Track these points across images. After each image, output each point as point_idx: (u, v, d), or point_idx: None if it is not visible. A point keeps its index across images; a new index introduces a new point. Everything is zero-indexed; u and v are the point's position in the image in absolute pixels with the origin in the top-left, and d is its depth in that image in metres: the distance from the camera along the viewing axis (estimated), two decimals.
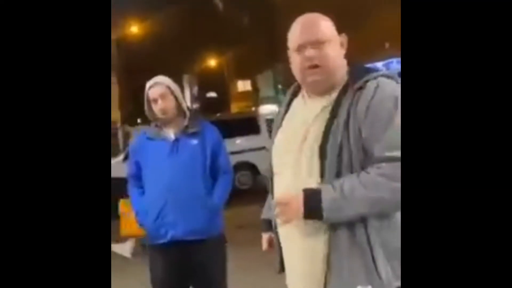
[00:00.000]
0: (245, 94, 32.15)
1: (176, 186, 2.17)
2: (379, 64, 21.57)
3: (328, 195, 1.28)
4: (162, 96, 2.22)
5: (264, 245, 1.59)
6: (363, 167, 1.30)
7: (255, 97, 29.85)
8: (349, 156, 1.31)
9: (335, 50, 1.40)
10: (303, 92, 1.49)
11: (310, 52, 1.36)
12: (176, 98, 2.26)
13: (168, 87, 2.24)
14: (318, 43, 1.36)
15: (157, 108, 2.23)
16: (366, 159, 1.30)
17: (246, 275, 3.68)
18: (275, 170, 1.47)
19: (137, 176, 2.33)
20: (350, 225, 1.30)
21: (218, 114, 14.17)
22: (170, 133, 2.27)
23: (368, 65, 1.53)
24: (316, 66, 1.37)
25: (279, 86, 25.37)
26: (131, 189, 2.36)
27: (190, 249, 2.20)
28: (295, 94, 1.54)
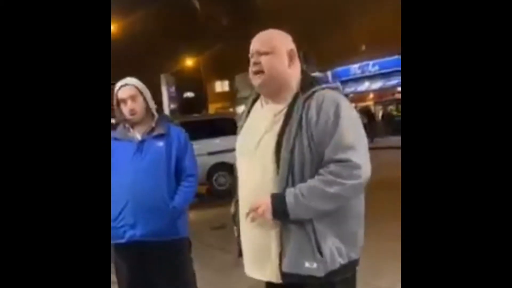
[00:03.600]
0: (223, 94, 32.12)
1: (138, 187, 2.17)
2: (355, 66, 22.00)
3: (291, 197, 1.49)
4: (132, 97, 2.25)
5: (236, 233, 1.76)
6: (313, 167, 1.50)
7: (233, 97, 29.85)
8: (301, 155, 1.50)
9: (279, 61, 1.60)
10: (261, 97, 1.70)
11: (255, 59, 1.61)
12: (145, 99, 2.28)
13: (138, 89, 2.27)
14: (263, 53, 1.60)
15: (126, 109, 2.25)
16: (319, 160, 1.50)
17: (221, 276, 3.68)
18: (238, 171, 1.69)
19: None
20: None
21: (195, 115, 14.10)
22: (137, 135, 2.28)
23: (317, 75, 1.75)
24: (258, 72, 1.60)
25: None
26: None
27: (150, 251, 2.20)
28: (256, 99, 1.74)
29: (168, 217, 2.21)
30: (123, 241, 2.19)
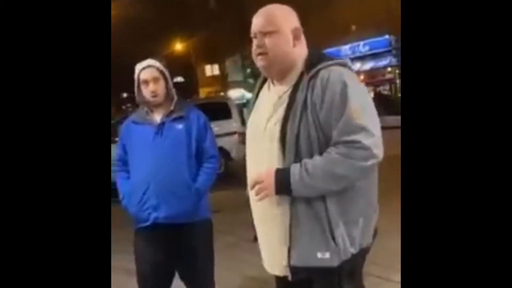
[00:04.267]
0: (213, 78, 31.83)
1: (159, 170, 2.17)
2: (345, 47, 21.85)
3: (295, 173, 1.40)
4: (154, 79, 2.23)
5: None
6: (322, 150, 1.41)
7: (223, 81, 29.63)
8: (307, 140, 1.42)
9: (284, 41, 1.51)
10: (269, 79, 1.62)
11: (258, 41, 1.51)
12: (166, 82, 2.27)
13: (160, 71, 2.25)
14: (266, 33, 1.49)
15: (147, 91, 2.24)
16: (326, 142, 1.41)
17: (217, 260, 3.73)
18: (247, 155, 1.61)
19: (124, 160, 2.33)
20: (307, 198, 1.42)
21: (187, 100, 13.93)
22: (156, 117, 2.27)
23: (326, 51, 1.65)
24: (262, 54, 1.51)
25: (248, 70, 25.28)
26: (118, 173, 2.35)
27: (174, 233, 2.21)
28: (264, 81, 1.66)
29: (191, 198, 2.22)
30: (147, 224, 2.20)
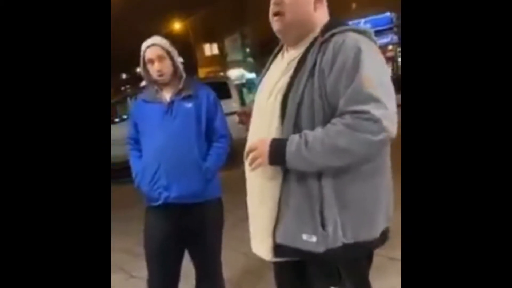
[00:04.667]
0: (212, 58, 31.52)
1: (169, 149, 2.15)
2: None
3: (292, 143, 1.27)
4: (159, 58, 2.18)
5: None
6: (325, 123, 1.27)
7: (223, 61, 29.36)
8: (310, 108, 1.29)
9: (304, 2, 1.39)
10: (284, 47, 1.52)
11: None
12: (172, 60, 2.22)
13: (165, 49, 2.20)
14: None
15: (153, 69, 2.20)
16: (331, 114, 1.28)
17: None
18: (249, 130, 1.52)
19: (136, 139, 2.33)
20: (302, 172, 1.30)
21: None
22: (166, 96, 2.25)
23: (347, 21, 1.51)
24: (278, 13, 1.39)
25: (247, 50, 25.01)
26: (131, 152, 2.36)
27: (185, 212, 2.20)
28: (279, 50, 1.56)
29: (201, 178, 2.20)
30: (159, 203, 2.19)
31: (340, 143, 1.22)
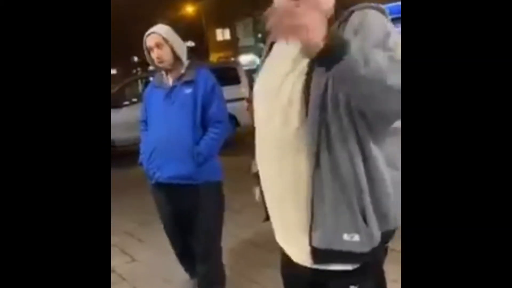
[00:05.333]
0: (224, 43, 31.44)
1: (164, 132, 2.29)
2: None
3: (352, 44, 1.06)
4: (157, 45, 2.31)
5: (257, 195, 1.48)
6: (350, 110, 1.15)
7: (234, 46, 29.25)
8: (335, 100, 1.16)
9: None
10: None
11: None
12: (171, 47, 2.32)
13: (163, 37, 2.32)
14: None
15: (153, 56, 2.34)
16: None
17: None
18: (255, 121, 1.39)
19: (146, 121, 2.50)
20: (335, 161, 1.18)
21: None
22: (170, 81, 2.39)
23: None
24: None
25: (259, 35, 24.85)
26: (142, 132, 2.54)
27: (179, 193, 2.33)
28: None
29: (192, 162, 2.27)
30: (152, 182, 2.38)
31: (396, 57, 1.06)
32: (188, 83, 2.33)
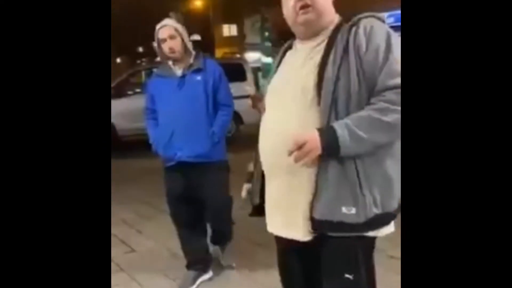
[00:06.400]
0: (230, 39, 31.34)
1: (181, 117, 2.56)
2: None
3: (343, 129, 1.30)
4: (170, 37, 2.56)
5: (244, 193, 1.68)
6: (360, 101, 1.33)
7: (240, 42, 29.17)
8: (347, 82, 1.33)
9: None
10: (295, 43, 1.56)
11: None
12: (182, 39, 2.59)
13: (175, 29, 2.57)
14: None
15: (165, 47, 2.57)
16: (366, 89, 1.33)
17: None
18: (262, 123, 1.52)
19: (153, 109, 2.72)
20: (340, 161, 1.35)
21: None
22: (178, 71, 2.64)
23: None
24: (307, 6, 1.43)
25: (266, 34, 24.79)
26: (148, 121, 2.75)
27: (195, 170, 2.61)
28: (289, 48, 1.60)
29: (208, 141, 2.59)
30: (172, 163, 2.63)
31: (387, 119, 1.28)
32: (197, 71, 2.60)
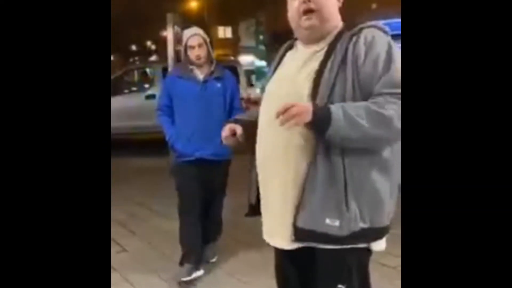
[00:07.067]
0: (224, 41, 31.30)
1: (203, 118, 2.83)
2: None
3: (338, 108, 1.26)
4: (199, 45, 2.85)
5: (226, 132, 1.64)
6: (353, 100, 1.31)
7: (235, 45, 29.16)
8: (342, 91, 1.32)
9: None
10: (297, 43, 1.53)
11: None
12: (208, 48, 2.88)
13: (204, 39, 2.87)
14: None
15: (193, 54, 2.86)
16: (361, 100, 1.31)
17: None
18: (259, 126, 1.51)
19: (169, 106, 2.96)
20: (329, 158, 1.33)
21: None
22: (200, 76, 2.90)
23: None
24: (311, 11, 1.40)
25: (260, 37, 24.82)
26: (163, 117, 2.98)
27: (209, 167, 2.90)
28: (289, 48, 1.57)
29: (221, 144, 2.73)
30: (192, 158, 2.88)
31: (383, 111, 1.25)
32: (217, 78, 2.91)
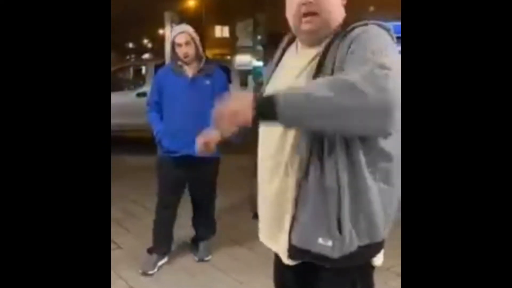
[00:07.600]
0: (222, 40, 31.29)
1: (190, 115, 2.80)
2: None
3: (282, 91, 1.14)
4: (186, 43, 2.87)
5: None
6: None
7: (232, 45, 29.15)
8: None
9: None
10: (297, 42, 1.45)
11: None
12: (196, 45, 2.89)
13: (191, 36, 2.89)
14: None
15: (181, 51, 2.88)
16: None
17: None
18: (260, 128, 1.46)
19: (158, 103, 2.97)
20: (321, 171, 1.25)
21: None
22: (189, 73, 2.93)
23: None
24: (312, 14, 1.31)
25: (258, 37, 24.80)
26: (151, 113, 3.00)
27: (195, 164, 2.86)
28: (288, 44, 1.50)
29: None
30: (177, 155, 2.89)
31: (348, 77, 1.11)
32: (206, 76, 2.92)
